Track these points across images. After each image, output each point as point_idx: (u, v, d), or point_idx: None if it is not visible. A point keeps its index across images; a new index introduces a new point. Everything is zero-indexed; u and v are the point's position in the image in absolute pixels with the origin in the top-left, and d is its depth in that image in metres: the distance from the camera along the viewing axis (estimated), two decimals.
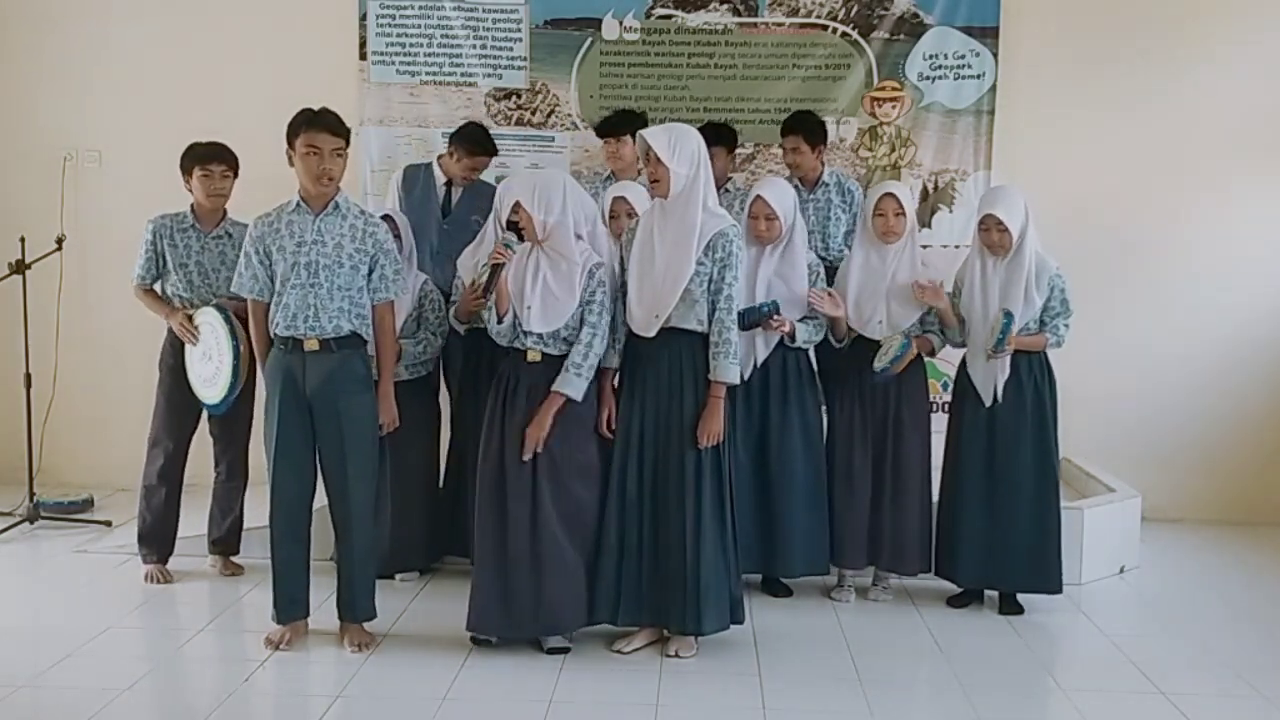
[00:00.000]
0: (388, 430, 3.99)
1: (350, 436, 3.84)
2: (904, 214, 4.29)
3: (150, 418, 4.55)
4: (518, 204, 3.78)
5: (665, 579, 3.83)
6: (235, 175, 4.49)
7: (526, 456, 3.77)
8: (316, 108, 3.79)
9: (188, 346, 4.39)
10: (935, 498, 4.46)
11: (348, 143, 3.82)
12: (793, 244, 4.29)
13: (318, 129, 3.73)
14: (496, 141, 5.15)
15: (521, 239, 3.80)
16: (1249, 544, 5.45)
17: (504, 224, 4.22)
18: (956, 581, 4.42)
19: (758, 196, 4.25)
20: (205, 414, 4.55)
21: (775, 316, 4.18)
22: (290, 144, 3.76)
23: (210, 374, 4.32)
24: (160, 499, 4.53)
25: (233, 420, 4.52)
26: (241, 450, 4.64)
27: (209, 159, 4.42)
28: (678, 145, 3.73)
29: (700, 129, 4.86)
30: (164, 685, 3.70)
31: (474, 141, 4.89)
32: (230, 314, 4.28)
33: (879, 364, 4.23)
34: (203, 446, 4.63)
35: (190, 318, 4.38)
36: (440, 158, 4.99)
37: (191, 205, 4.50)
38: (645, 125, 4.72)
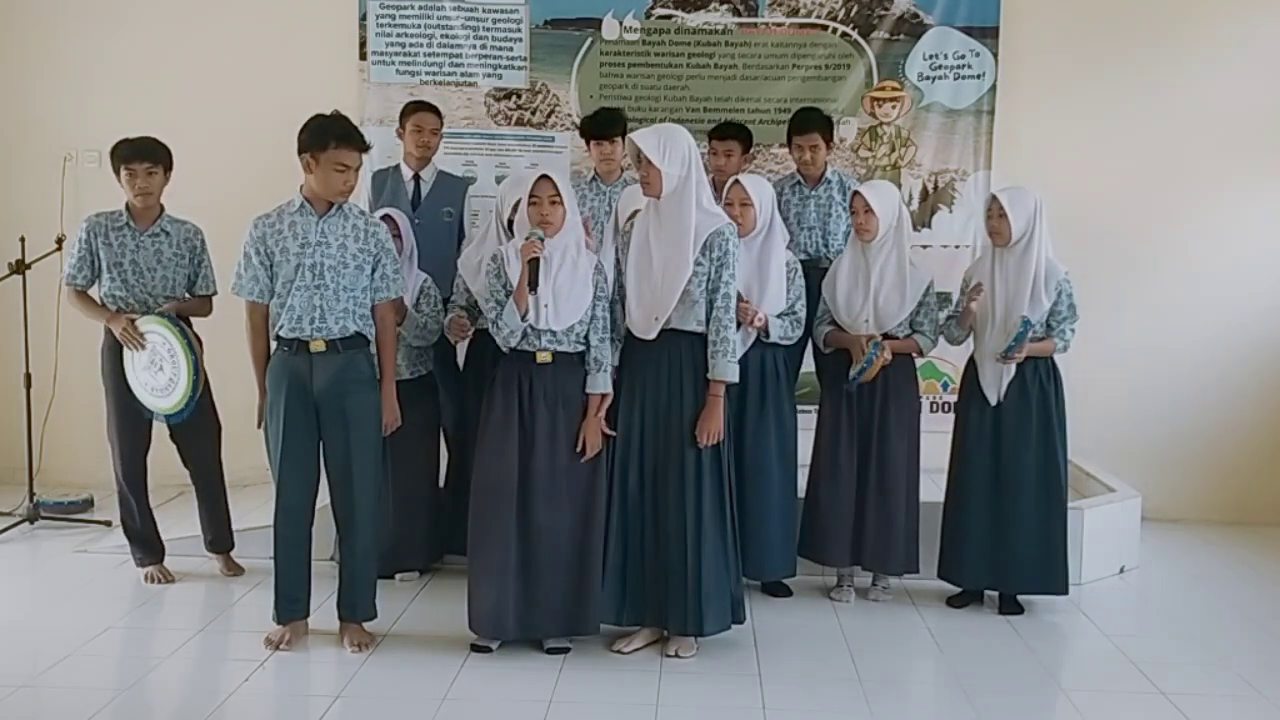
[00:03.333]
0: (390, 430, 3.99)
1: (356, 436, 3.84)
2: (873, 212, 4.27)
3: (104, 428, 4.51)
4: (556, 195, 3.75)
5: (666, 579, 3.83)
6: (166, 171, 4.40)
7: (589, 457, 3.81)
8: (330, 112, 3.75)
9: (128, 355, 4.32)
10: (935, 498, 4.46)
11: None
12: (770, 240, 4.27)
13: (350, 147, 3.70)
14: (497, 142, 5.15)
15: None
16: (1249, 544, 5.45)
17: (505, 222, 4.23)
18: (961, 584, 4.42)
19: (735, 182, 4.25)
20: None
21: (743, 302, 4.14)
22: (310, 150, 3.71)
23: (163, 384, 4.27)
24: (135, 505, 4.52)
25: (195, 425, 4.45)
26: (211, 451, 4.59)
27: (131, 158, 4.34)
28: (668, 146, 3.72)
29: (717, 128, 4.91)
30: (164, 685, 3.70)
31: (411, 103, 4.97)
32: (178, 319, 4.27)
33: (851, 374, 4.28)
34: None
35: (133, 323, 4.31)
36: (405, 155, 4.98)
37: (126, 203, 4.43)
38: (626, 123, 4.76)
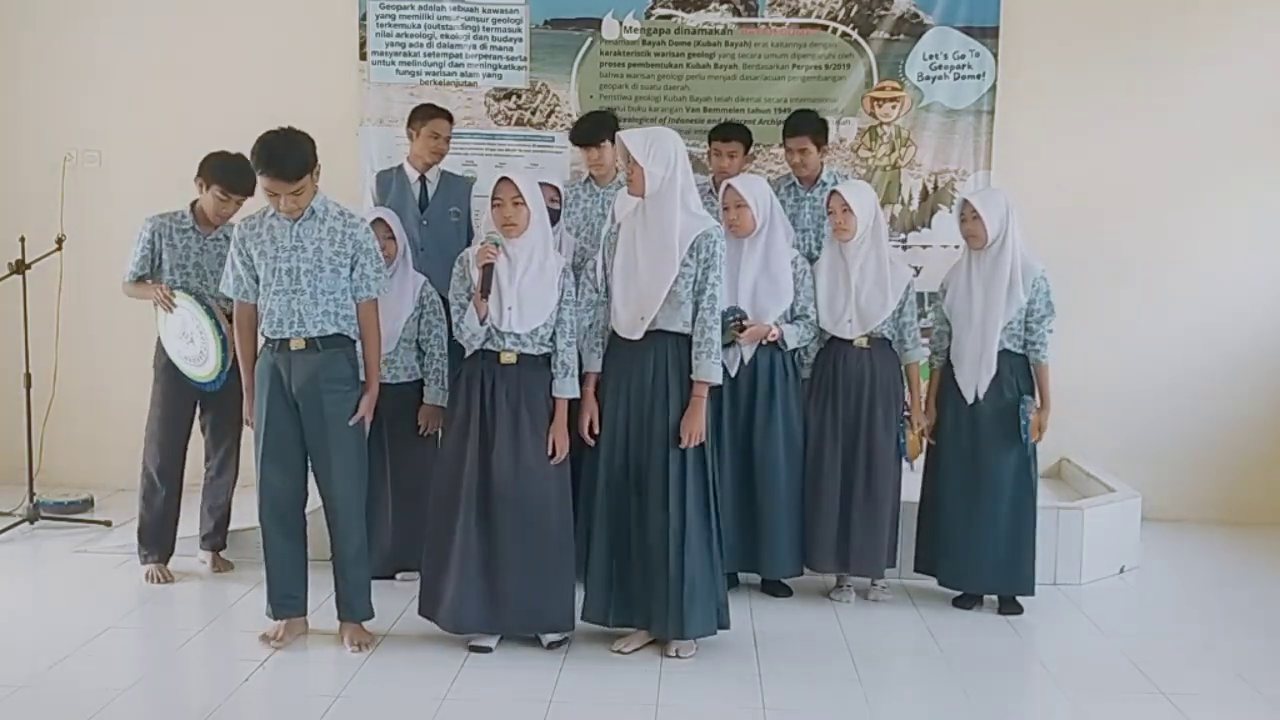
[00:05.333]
0: (354, 421, 3.91)
1: (336, 435, 3.83)
2: (851, 211, 4.28)
3: (146, 418, 4.55)
4: (519, 197, 3.75)
5: (652, 581, 3.82)
6: (252, 196, 4.41)
7: (558, 460, 3.82)
8: (278, 131, 3.69)
9: (163, 326, 4.41)
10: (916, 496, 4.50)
11: (313, 166, 3.73)
12: (773, 240, 4.28)
13: (272, 177, 3.67)
14: (497, 142, 5.13)
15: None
16: (1249, 544, 5.45)
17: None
18: (939, 580, 4.44)
19: (727, 185, 4.27)
20: (198, 414, 4.58)
21: (742, 323, 4.18)
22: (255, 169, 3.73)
23: (196, 354, 4.38)
24: (159, 499, 4.54)
25: (226, 417, 4.54)
26: (233, 447, 4.66)
27: (233, 188, 4.36)
28: (653, 146, 3.73)
29: (718, 129, 4.92)
30: (164, 685, 3.71)
31: (426, 108, 4.93)
32: (205, 295, 4.37)
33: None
34: (196, 446, 4.66)
35: (173, 294, 4.39)
36: (408, 156, 4.98)
37: (192, 206, 4.49)
38: (618, 124, 4.78)
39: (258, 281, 3.81)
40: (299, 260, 3.76)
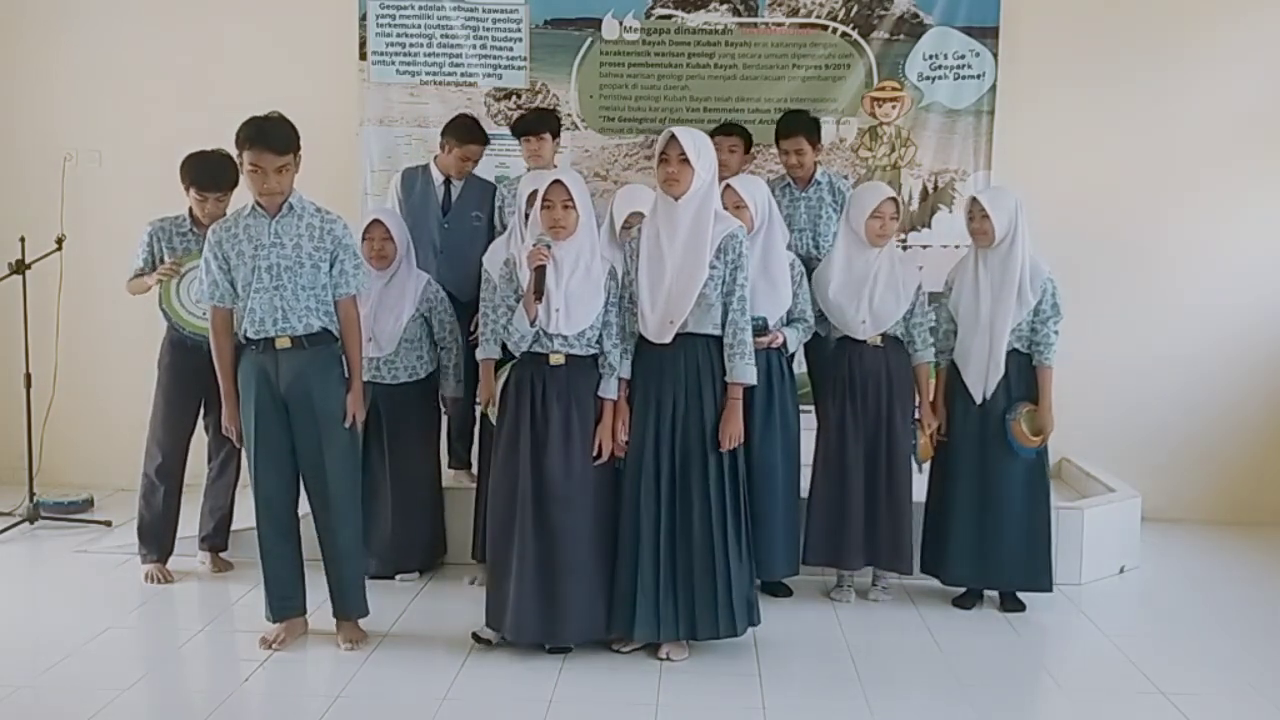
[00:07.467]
0: (350, 423, 3.91)
1: (327, 431, 3.82)
2: (898, 218, 4.33)
3: (149, 417, 4.55)
4: (569, 200, 3.73)
5: (692, 585, 3.79)
6: (233, 189, 4.42)
7: (602, 461, 3.80)
8: (266, 114, 3.71)
9: (178, 300, 4.40)
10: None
11: (298, 149, 3.73)
12: (770, 239, 4.27)
13: (260, 148, 3.66)
14: (497, 142, 5.13)
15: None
16: (1249, 544, 5.45)
17: (525, 217, 4.20)
18: (944, 580, 4.44)
19: (726, 185, 4.25)
20: (201, 414, 4.56)
21: (762, 335, 4.17)
22: (238, 151, 3.72)
23: None
24: (159, 498, 4.54)
25: None
26: (236, 448, 4.64)
27: (205, 187, 4.38)
28: (702, 148, 3.75)
29: (720, 126, 4.93)
30: (164, 685, 3.71)
31: (464, 130, 4.89)
32: None
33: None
34: (198, 447, 4.66)
35: (179, 263, 4.40)
36: (436, 157, 4.99)
37: (190, 210, 4.50)
38: (560, 123, 4.97)
39: (234, 286, 3.79)
40: (279, 257, 3.75)
